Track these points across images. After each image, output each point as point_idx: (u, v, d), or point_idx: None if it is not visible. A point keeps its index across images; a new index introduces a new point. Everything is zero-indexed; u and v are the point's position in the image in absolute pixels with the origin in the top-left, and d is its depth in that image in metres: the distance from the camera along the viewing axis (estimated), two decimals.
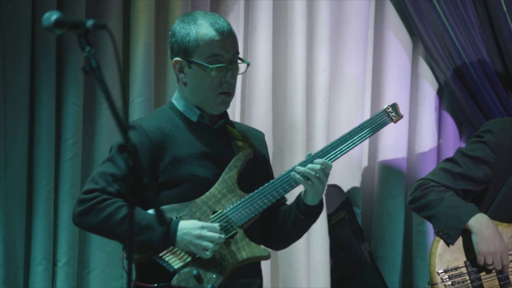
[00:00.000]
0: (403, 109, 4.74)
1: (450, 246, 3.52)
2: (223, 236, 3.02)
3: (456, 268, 3.51)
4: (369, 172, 4.81)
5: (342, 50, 4.70)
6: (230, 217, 3.07)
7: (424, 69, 4.82)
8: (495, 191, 3.64)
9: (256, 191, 3.10)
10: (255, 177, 3.17)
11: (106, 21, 4.14)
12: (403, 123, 4.75)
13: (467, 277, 3.51)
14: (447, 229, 3.50)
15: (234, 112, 4.41)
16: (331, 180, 4.47)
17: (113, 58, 4.15)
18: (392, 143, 4.74)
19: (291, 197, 3.20)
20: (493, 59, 4.73)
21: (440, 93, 4.83)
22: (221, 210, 3.08)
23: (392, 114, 3.22)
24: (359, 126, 3.19)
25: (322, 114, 4.57)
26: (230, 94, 3.15)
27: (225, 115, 3.22)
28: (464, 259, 3.52)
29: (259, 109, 4.41)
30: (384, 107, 3.22)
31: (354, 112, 4.68)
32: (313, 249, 4.48)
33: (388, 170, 4.75)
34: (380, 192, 4.77)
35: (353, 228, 4.64)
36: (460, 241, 3.53)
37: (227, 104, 3.16)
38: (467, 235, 3.52)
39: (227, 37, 3.13)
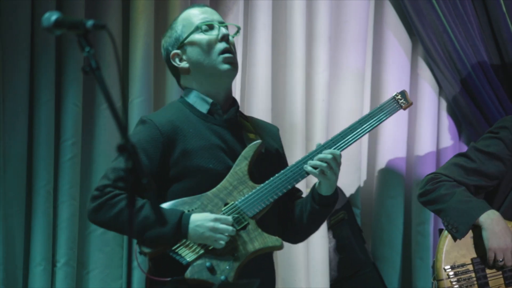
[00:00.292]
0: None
1: (458, 242, 3.51)
2: (235, 227, 3.03)
3: (462, 265, 3.51)
4: (368, 173, 4.81)
5: (341, 50, 4.70)
6: (242, 208, 3.08)
7: (424, 70, 4.82)
8: (507, 189, 3.64)
9: (267, 181, 3.11)
10: (267, 169, 3.17)
11: (106, 22, 4.12)
12: (402, 124, 4.75)
13: (473, 275, 3.51)
14: (457, 223, 3.50)
15: None
16: None
17: (113, 59, 4.15)
18: (391, 144, 4.74)
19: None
20: (493, 60, 4.73)
21: (439, 93, 4.82)
22: (232, 202, 3.09)
23: (401, 101, 3.23)
24: (368, 114, 3.21)
25: (321, 114, 4.57)
26: (231, 51, 3.17)
27: (235, 103, 3.22)
28: (471, 256, 3.52)
29: (259, 109, 4.41)
30: (393, 94, 3.22)
31: (353, 112, 4.68)
32: (312, 250, 4.48)
33: (388, 171, 4.75)
34: (380, 193, 4.77)
35: (353, 228, 4.64)
36: (468, 238, 3.53)
37: (233, 65, 3.17)
38: (476, 231, 3.52)
39: (207, 9, 3.25)
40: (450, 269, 3.49)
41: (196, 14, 3.22)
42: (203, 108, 3.17)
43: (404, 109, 3.25)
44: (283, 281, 4.46)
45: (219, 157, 3.12)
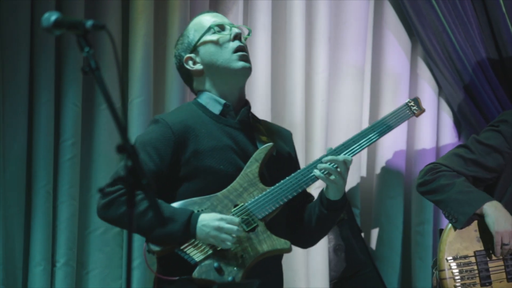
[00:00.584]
0: None
1: (462, 235, 3.52)
2: (241, 228, 3.03)
3: (465, 257, 3.51)
4: (368, 173, 4.81)
5: (341, 51, 4.70)
6: (251, 210, 3.08)
7: (423, 70, 4.82)
8: (507, 183, 3.65)
9: (277, 184, 3.11)
10: (278, 172, 3.18)
11: (105, 22, 4.14)
12: (402, 124, 4.74)
13: (475, 267, 3.51)
14: (457, 214, 3.51)
15: None
16: None
17: (112, 59, 4.15)
18: (391, 144, 4.74)
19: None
20: (492, 60, 4.73)
21: (439, 94, 4.83)
22: (242, 204, 3.09)
23: (414, 107, 3.23)
24: (381, 120, 3.21)
25: (321, 115, 4.57)
26: (244, 50, 3.18)
27: (247, 103, 3.23)
28: (474, 249, 3.52)
29: (258, 109, 4.40)
30: (406, 101, 3.22)
31: (353, 112, 4.68)
32: (312, 250, 4.48)
33: (387, 171, 4.75)
34: (379, 193, 4.77)
35: (352, 228, 4.64)
36: (472, 231, 3.54)
37: (248, 62, 3.17)
38: (480, 225, 3.52)
39: (217, 14, 3.27)
40: (452, 260, 3.49)
41: (207, 18, 3.24)
42: (216, 109, 3.17)
43: (417, 116, 3.25)
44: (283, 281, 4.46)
45: (230, 158, 3.12)
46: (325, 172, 3.10)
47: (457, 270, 3.49)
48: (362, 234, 4.71)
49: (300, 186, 3.11)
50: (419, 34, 4.71)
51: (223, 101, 3.17)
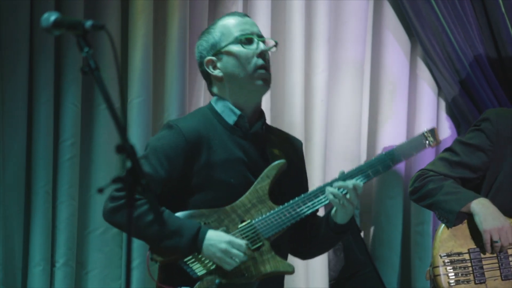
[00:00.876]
0: (401, 109, 4.78)
1: (456, 233, 3.53)
2: (247, 254, 3.01)
3: (459, 254, 3.52)
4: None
5: (340, 51, 4.70)
6: (258, 228, 3.07)
7: (423, 70, 4.82)
8: (491, 179, 3.66)
9: (286, 204, 3.09)
10: (288, 188, 3.16)
11: (105, 22, 4.14)
12: (401, 124, 4.76)
13: (469, 264, 3.51)
14: (446, 213, 3.52)
15: None
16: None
17: (112, 59, 4.15)
18: (390, 144, 4.73)
19: None
20: (492, 60, 4.73)
21: (438, 93, 4.83)
22: (249, 220, 3.07)
23: (430, 138, 3.22)
24: (396, 148, 3.18)
25: (320, 115, 4.57)
26: (267, 69, 3.14)
27: (262, 116, 3.20)
28: (469, 246, 3.53)
29: None
30: (423, 131, 3.21)
31: (352, 112, 4.68)
32: None
33: (387, 171, 4.74)
34: (378, 193, 4.77)
35: (352, 229, 4.63)
36: (466, 229, 3.54)
37: (267, 82, 3.14)
38: (472, 221, 3.53)
39: (247, 20, 3.18)
40: (446, 257, 3.50)
41: (236, 24, 3.15)
42: (230, 119, 3.13)
43: (432, 147, 3.25)
44: None
45: (240, 171, 3.09)
46: (334, 198, 3.07)
47: (451, 267, 3.49)
48: (362, 234, 4.71)
49: (309, 209, 3.09)
50: (419, 34, 4.71)
51: (238, 112, 3.13)
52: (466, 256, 3.52)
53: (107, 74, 4.12)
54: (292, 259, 4.42)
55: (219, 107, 3.16)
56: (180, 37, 4.31)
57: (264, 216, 3.07)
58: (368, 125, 4.80)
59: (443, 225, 3.55)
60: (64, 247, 4.16)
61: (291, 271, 3.11)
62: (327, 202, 3.10)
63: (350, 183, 3.07)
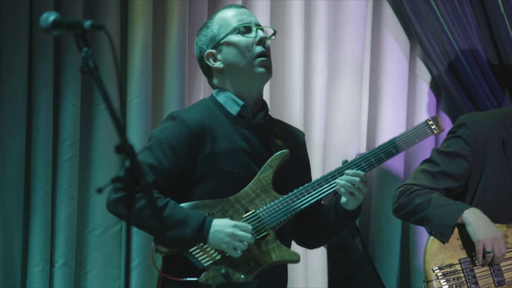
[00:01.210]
0: (401, 109, 4.78)
1: (445, 245, 3.51)
2: (254, 236, 3.02)
3: (450, 265, 3.50)
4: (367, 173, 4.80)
5: (339, 51, 4.70)
6: (263, 218, 3.07)
7: (422, 70, 4.82)
8: (474, 185, 3.64)
9: (290, 193, 3.11)
10: (291, 178, 3.17)
11: (104, 22, 4.14)
12: (400, 124, 4.76)
13: (462, 274, 3.50)
14: (440, 227, 3.50)
15: None
16: None
17: (111, 59, 4.15)
18: None
19: None
20: (491, 60, 4.73)
21: (437, 94, 4.83)
22: (254, 210, 3.08)
23: (433, 126, 3.23)
24: (399, 136, 3.20)
25: (320, 115, 4.57)
26: (268, 56, 3.15)
27: (265, 107, 3.21)
28: (459, 257, 3.51)
29: None
30: (426, 119, 3.22)
31: (352, 112, 4.68)
32: (310, 250, 4.48)
33: (386, 171, 4.75)
34: (378, 193, 4.77)
35: (351, 229, 4.64)
36: (454, 240, 3.53)
37: (268, 68, 3.15)
38: (462, 233, 3.52)
39: (244, 10, 3.20)
40: (438, 270, 3.49)
41: (233, 15, 3.17)
42: (233, 109, 3.14)
43: (436, 135, 3.26)
44: None
45: (244, 162, 3.10)
46: (346, 190, 3.09)
47: (444, 280, 3.48)
48: (361, 234, 4.71)
49: (313, 198, 3.11)
50: (418, 34, 4.71)
51: (241, 102, 3.14)
52: (458, 267, 3.50)
53: (106, 74, 4.12)
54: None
55: (221, 98, 3.17)
56: (180, 37, 4.31)
57: (268, 205, 3.08)
58: (368, 125, 4.80)
59: (431, 238, 3.52)
60: (64, 247, 4.16)
61: (297, 260, 3.10)
62: (331, 191, 3.12)
63: (352, 173, 3.09)
